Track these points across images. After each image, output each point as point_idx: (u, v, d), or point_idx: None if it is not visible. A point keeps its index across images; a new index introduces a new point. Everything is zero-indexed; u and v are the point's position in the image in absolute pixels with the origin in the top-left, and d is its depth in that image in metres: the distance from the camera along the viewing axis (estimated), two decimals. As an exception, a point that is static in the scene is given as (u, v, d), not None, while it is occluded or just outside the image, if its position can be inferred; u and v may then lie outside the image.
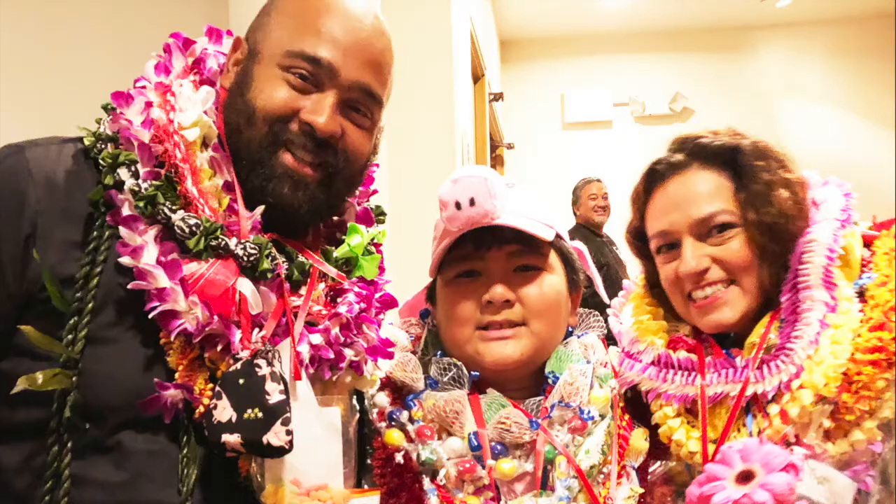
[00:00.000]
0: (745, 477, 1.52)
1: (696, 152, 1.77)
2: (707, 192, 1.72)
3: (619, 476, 1.73)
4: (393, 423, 1.73)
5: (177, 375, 1.34)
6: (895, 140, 9.50)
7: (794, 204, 1.69)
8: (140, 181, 1.36)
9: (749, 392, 1.62)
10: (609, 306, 2.01)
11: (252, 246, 1.39)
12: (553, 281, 1.79)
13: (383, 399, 1.76)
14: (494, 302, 1.73)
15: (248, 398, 1.31)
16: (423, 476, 1.68)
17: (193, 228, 1.36)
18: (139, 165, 1.38)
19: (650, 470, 1.83)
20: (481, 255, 1.76)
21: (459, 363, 1.78)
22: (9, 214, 1.35)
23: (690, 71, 10.30)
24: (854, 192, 1.75)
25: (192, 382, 1.34)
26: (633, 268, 2.01)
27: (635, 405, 1.82)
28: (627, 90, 10.38)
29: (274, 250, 1.43)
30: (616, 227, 6.67)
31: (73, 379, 1.30)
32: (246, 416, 1.30)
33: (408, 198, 3.99)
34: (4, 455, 1.34)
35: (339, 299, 1.55)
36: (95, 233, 1.36)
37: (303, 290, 1.48)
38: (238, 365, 1.34)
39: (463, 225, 1.70)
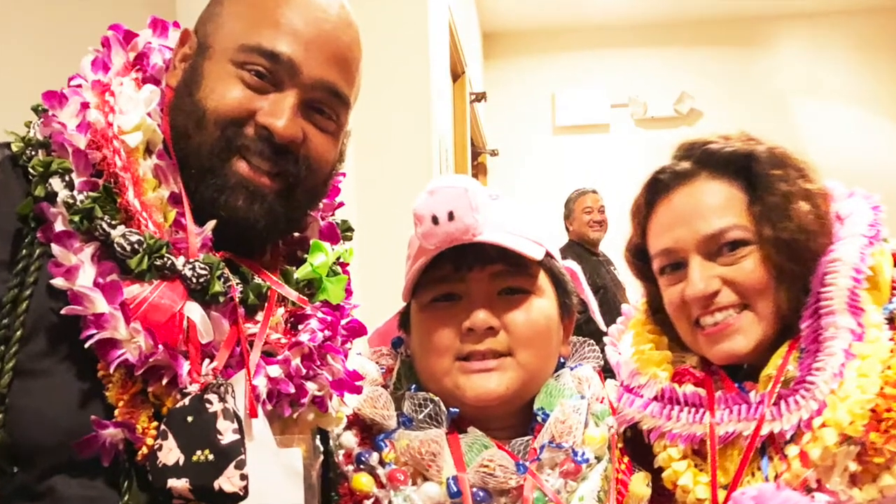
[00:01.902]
0: (761, 527, 1.53)
1: (704, 160, 1.78)
2: (717, 204, 1.73)
3: (618, 526, 1.73)
4: (361, 466, 1.73)
5: (117, 412, 1.33)
6: (929, 146, 9.58)
7: (815, 218, 1.69)
8: (75, 192, 1.36)
9: (765, 431, 1.62)
10: (606, 334, 2.02)
11: (202, 266, 1.39)
12: (542, 305, 1.80)
13: (350, 439, 1.76)
14: (476, 329, 1.74)
15: (197, 438, 1.31)
16: (396, 526, 1.68)
17: (135, 246, 1.35)
18: (74, 175, 1.37)
19: (652, 519, 1.84)
20: (461, 276, 1.77)
21: (437, 398, 1.78)
22: None
23: (698, 68, 10.33)
24: (883, 205, 1.76)
25: (133, 420, 1.33)
26: (634, 290, 2.02)
27: (636, 446, 1.83)
28: (627, 89, 10.40)
29: (227, 271, 1.44)
30: (614, 245, 6.68)
31: (-1, 416, 1.30)
32: (195, 458, 1.30)
33: (378, 211, 4.00)
34: (-78, 503, 1.33)
35: (300, 326, 1.55)
36: (24, 251, 1.36)
37: (259, 316, 1.48)
38: (186, 401, 1.34)
39: (440, 242, 1.70)
